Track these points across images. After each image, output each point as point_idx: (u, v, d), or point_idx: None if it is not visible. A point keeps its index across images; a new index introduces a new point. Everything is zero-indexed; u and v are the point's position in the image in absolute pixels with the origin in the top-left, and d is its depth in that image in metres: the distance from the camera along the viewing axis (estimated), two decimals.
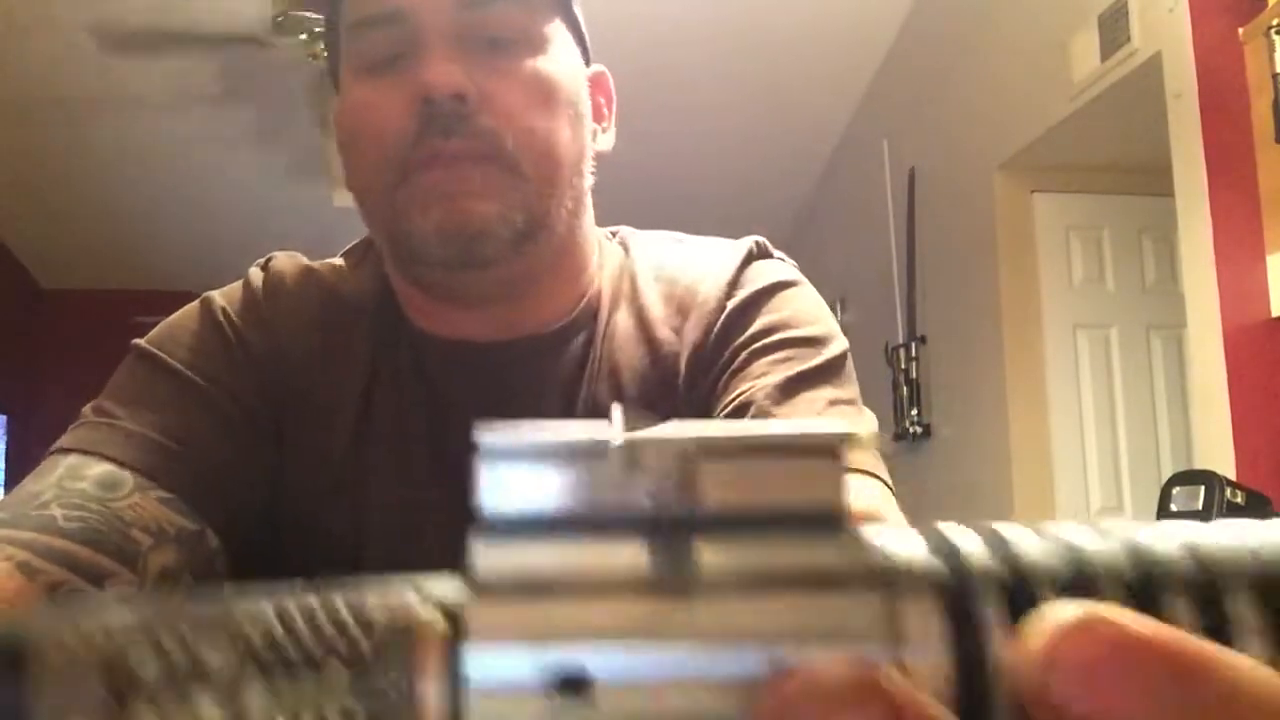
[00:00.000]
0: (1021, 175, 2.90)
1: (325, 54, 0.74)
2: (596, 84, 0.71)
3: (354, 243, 0.75)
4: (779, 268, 0.71)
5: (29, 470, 0.58)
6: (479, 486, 0.17)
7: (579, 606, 0.16)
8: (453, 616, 0.17)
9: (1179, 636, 0.15)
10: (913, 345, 3.37)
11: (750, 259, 0.70)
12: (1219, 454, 2.00)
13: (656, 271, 0.71)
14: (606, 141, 0.72)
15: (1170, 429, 2.83)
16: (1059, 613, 0.15)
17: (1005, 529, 0.18)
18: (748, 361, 0.64)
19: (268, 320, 0.67)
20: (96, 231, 4.64)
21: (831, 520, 0.17)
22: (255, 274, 0.70)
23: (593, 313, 0.69)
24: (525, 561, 0.17)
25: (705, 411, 0.65)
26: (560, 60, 0.65)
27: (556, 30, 0.65)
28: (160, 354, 0.64)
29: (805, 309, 0.68)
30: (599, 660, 0.16)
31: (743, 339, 0.65)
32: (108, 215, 4.50)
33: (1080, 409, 2.84)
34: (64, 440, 0.60)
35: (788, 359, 0.64)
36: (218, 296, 0.68)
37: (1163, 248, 2.86)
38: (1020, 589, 0.17)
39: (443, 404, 0.66)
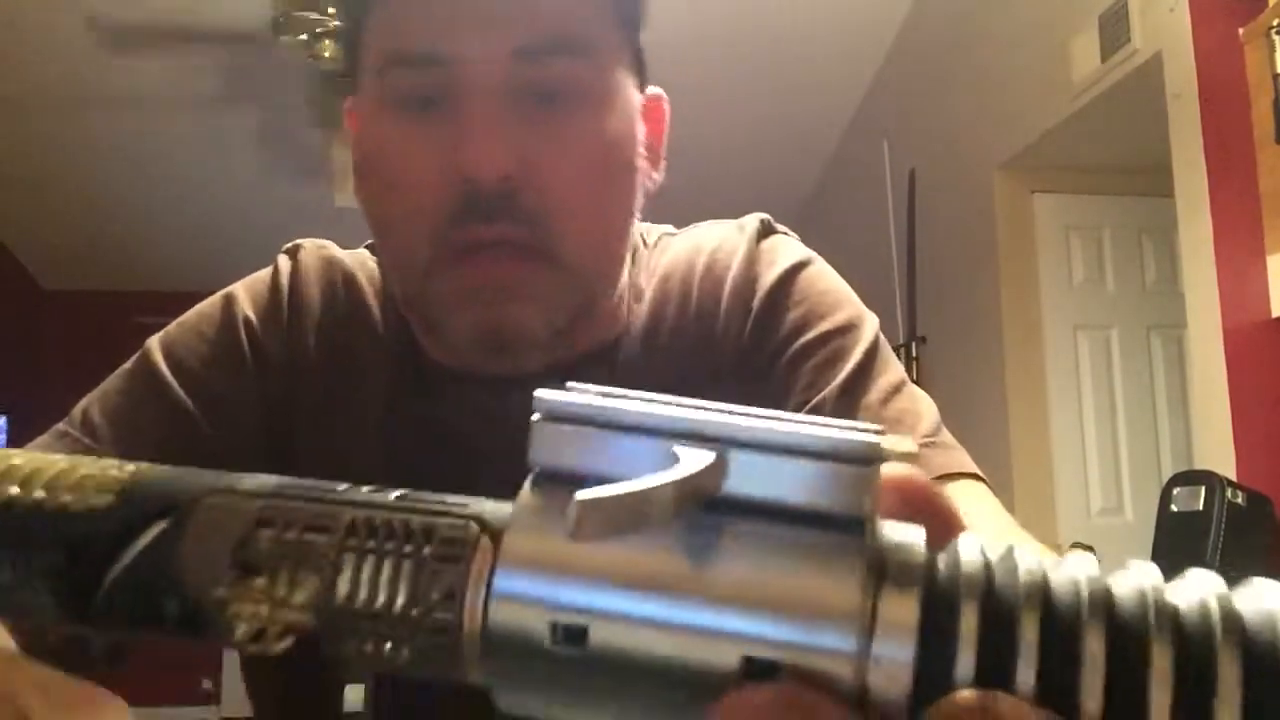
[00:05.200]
0: (1022, 175, 2.90)
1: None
2: (650, 114, 0.63)
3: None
4: (789, 246, 0.68)
5: None
6: (532, 439, 0.20)
7: (597, 551, 0.18)
8: (496, 537, 0.20)
9: None
10: (913, 345, 3.37)
11: (758, 238, 0.67)
12: (1219, 454, 2.00)
13: (670, 270, 0.66)
14: (656, 179, 0.65)
15: (1170, 429, 2.83)
16: (951, 699, 0.16)
17: (1026, 551, 0.19)
18: (789, 371, 0.61)
19: (289, 325, 0.64)
20: (96, 231, 4.64)
21: (853, 521, 0.18)
22: (283, 264, 0.67)
23: (616, 335, 0.64)
24: (562, 507, 0.19)
25: None
26: (622, 113, 0.58)
27: (620, 73, 0.59)
28: (166, 375, 0.61)
29: (827, 291, 0.65)
30: (602, 598, 0.18)
31: (775, 343, 0.62)
32: (108, 215, 4.50)
33: (1080, 409, 2.84)
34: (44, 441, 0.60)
35: (828, 360, 0.61)
36: (241, 298, 0.65)
37: (1163, 248, 2.87)
38: (1001, 598, 0.17)
39: (466, 450, 0.60)
